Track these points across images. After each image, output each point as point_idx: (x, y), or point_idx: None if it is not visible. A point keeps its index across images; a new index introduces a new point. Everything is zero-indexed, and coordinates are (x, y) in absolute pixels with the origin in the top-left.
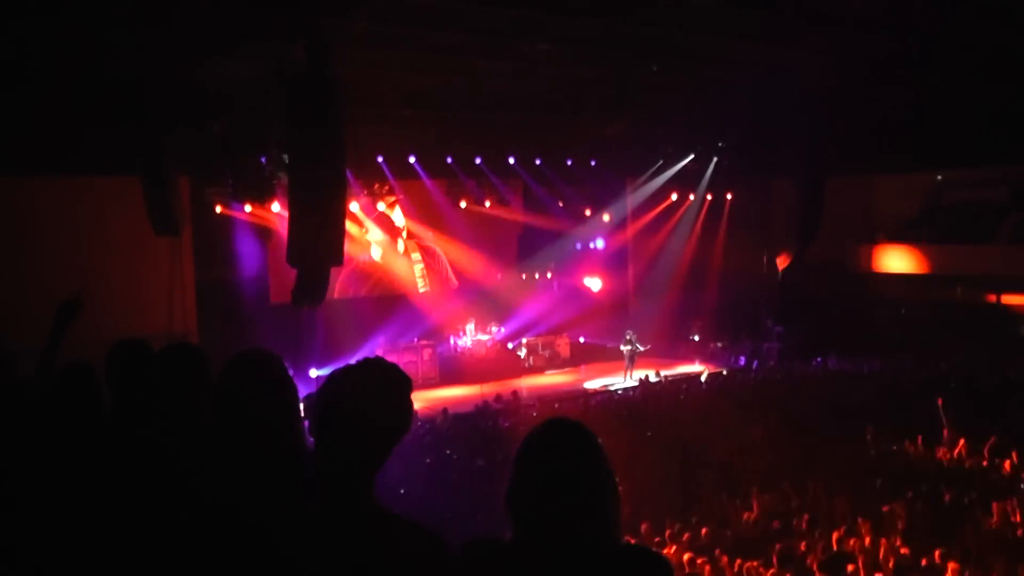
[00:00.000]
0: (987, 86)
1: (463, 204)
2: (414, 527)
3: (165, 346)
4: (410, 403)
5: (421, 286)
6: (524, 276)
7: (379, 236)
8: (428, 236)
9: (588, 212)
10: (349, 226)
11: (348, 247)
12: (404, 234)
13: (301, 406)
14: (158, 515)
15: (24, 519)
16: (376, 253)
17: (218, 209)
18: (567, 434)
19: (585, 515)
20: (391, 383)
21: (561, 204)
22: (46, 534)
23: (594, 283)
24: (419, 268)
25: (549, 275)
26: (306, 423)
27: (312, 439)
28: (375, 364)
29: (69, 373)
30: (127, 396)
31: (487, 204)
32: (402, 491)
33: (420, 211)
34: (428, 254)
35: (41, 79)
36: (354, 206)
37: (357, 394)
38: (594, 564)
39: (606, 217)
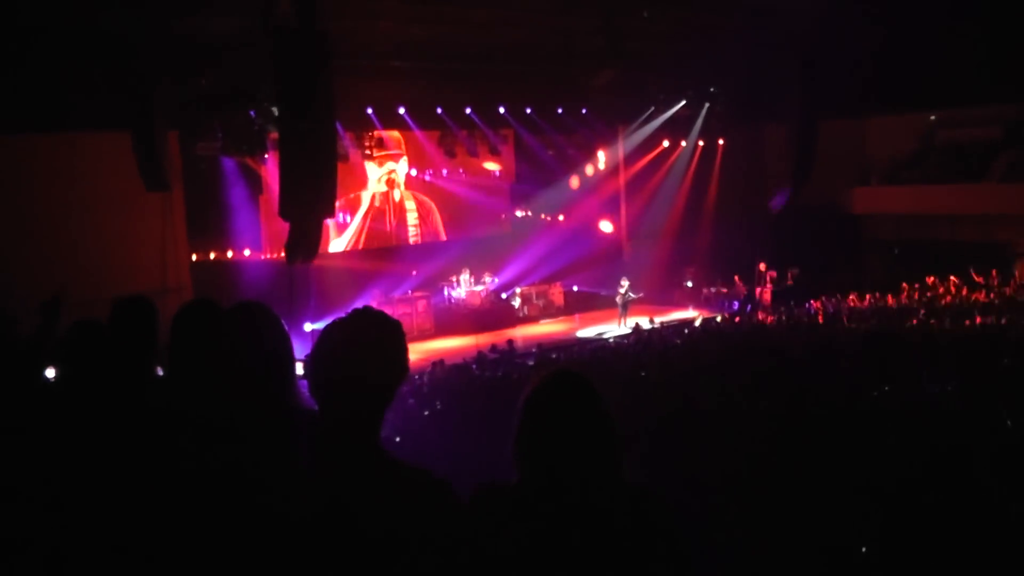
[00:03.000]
0: (978, 24)
1: (454, 154)
2: (422, 474)
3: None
4: (404, 349)
5: (413, 236)
6: (519, 221)
7: (375, 187)
8: (421, 187)
9: (579, 159)
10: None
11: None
12: (401, 185)
13: (299, 364)
14: (160, 476)
15: (34, 481)
16: (371, 203)
17: (209, 163)
18: (571, 385)
19: (588, 459)
20: (382, 331)
21: (552, 152)
22: (53, 495)
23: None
24: (413, 217)
25: (546, 217)
26: (305, 383)
27: (313, 396)
28: (363, 314)
29: (78, 331)
30: (131, 354)
31: (478, 154)
32: (397, 439)
33: (414, 162)
34: (422, 205)
35: (26, 36)
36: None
37: (349, 346)
38: (597, 503)
39: (597, 166)
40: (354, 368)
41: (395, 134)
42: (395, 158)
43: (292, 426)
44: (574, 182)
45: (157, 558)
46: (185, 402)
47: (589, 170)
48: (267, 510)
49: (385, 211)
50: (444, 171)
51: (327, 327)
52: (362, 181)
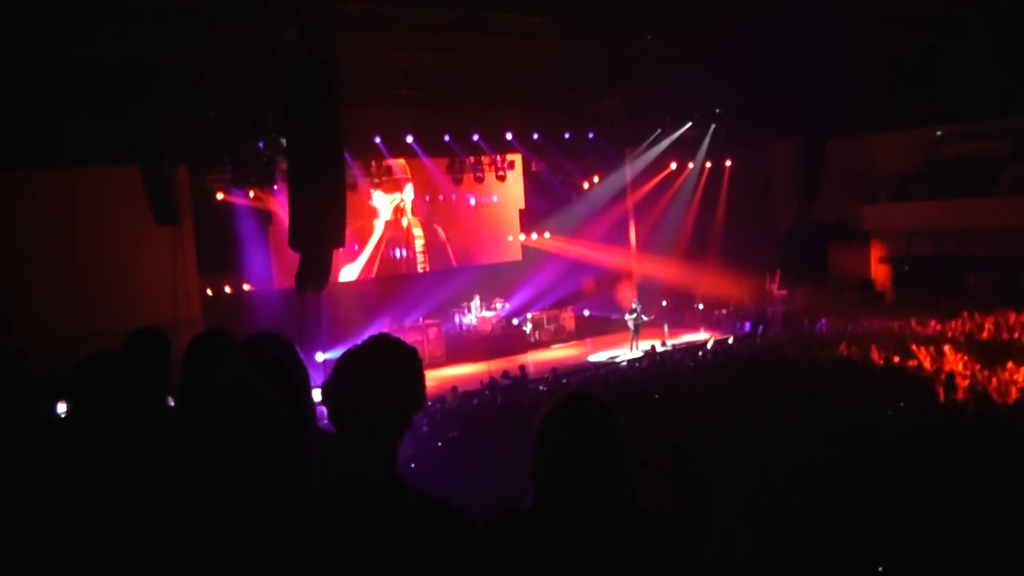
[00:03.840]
0: (985, 38)
1: (461, 181)
2: (439, 502)
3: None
4: (421, 376)
5: (420, 264)
6: (529, 247)
7: (385, 215)
8: (429, 214)
9: (587, 184)
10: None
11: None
12: (409, 212)
13: (318, 391)
14: (173, 508)
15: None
16: (379, 232)
17: (218, 196)
18: (587, 407)
19: (604, 482)
20: (399, 358)
21: (560, 177)
22: (68, 524)
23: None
24: (420, 245)
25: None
26: (323, 410)
27: (331, 423)
28: (382, 341)
29: (92, 363)
30: (145, 386)
31: (486, 180)
32: (412, 465)
33: (421, 189)
34: (430, 233)
35: (37, 71)
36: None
37: (367, 372)
38: (614, 527)
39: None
40: (372, 394)
41: (400, 162)
42: (401, 185)
43: (308, 455)
44: (582, 206)
45: None
46: (198, 432)
47: (597, 194)
48: (282, 539)
49: (395, 239)
50: (453, 196)
51: (345, 353)
52: (372, 210)
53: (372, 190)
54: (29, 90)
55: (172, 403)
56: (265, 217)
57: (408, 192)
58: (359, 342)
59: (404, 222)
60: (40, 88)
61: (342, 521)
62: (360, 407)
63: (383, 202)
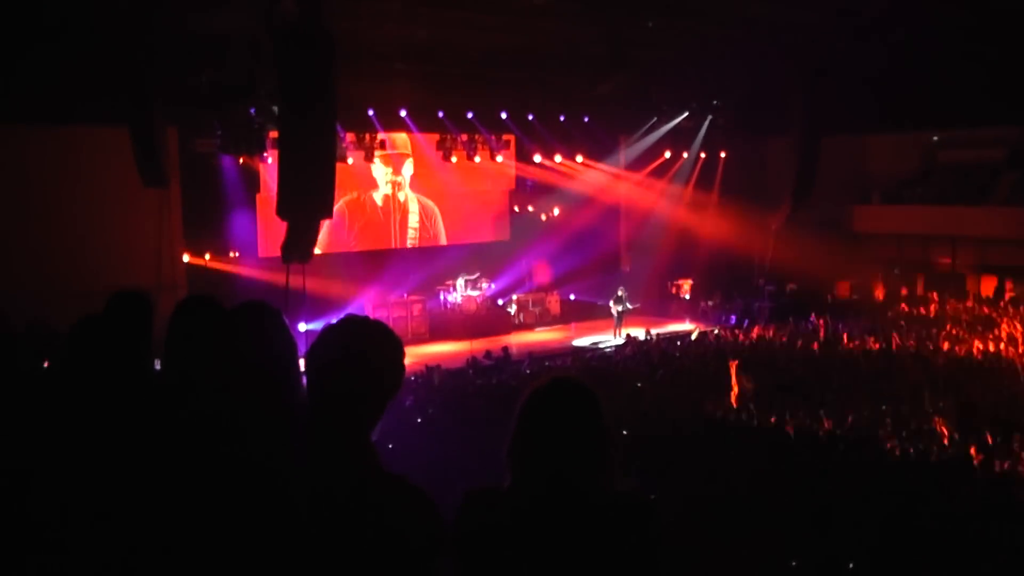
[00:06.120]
0: (984, 46)
1: (454, 159)
2: (406, 488)
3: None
4: (400, 361)
5: (411, 239)
6: (518, 229)
7: (381, 188)
8: (426, 190)
9: (580, 167)
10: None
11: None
12: (407, 187)
13: (302, 362)
14: (163, 470)
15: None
16: (377, 202)
17: (207, 160)
18: (569, 391)
19: (583, 466)
20: (379, 342)
21: (553, 159)
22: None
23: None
24: (414, 220)
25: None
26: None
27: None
28: (362, 324)
29: (81, 324)
30: (128, 347)
31: (478, 159)
32: (390, 446)
33: (418, 164)
34: (425, 209)
35: (27, 28)
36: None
37: (344, 356)
38: (589, 510)
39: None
40: (345, 379)
41: (402, 135)
42: (401, 159)
43: (294, 422)
44: (574, 191)
45: (154, 551)
46: (187, 397)
47: (589, 179)
48: (264, 509)
49: (388, 213)
50: (444, 173)
51: (322, 333)
52: (368, 182)
53: (372, 163)
54: (18, 44)
55: (158, 366)
56: (253, 184)
57: (407, 166)
58: (336, 321)
59: (401, 196)
60: (30, 43)
61: (312, 501)
62: (332, 388)
63: (381, 175)
